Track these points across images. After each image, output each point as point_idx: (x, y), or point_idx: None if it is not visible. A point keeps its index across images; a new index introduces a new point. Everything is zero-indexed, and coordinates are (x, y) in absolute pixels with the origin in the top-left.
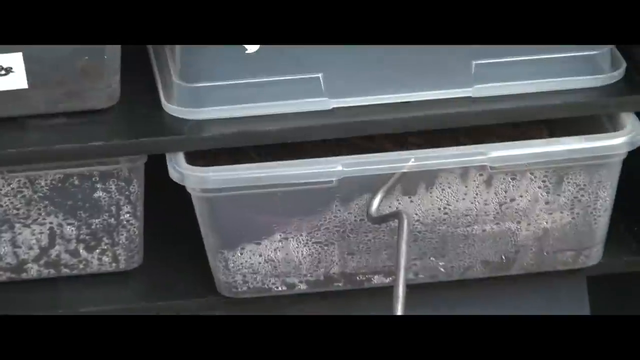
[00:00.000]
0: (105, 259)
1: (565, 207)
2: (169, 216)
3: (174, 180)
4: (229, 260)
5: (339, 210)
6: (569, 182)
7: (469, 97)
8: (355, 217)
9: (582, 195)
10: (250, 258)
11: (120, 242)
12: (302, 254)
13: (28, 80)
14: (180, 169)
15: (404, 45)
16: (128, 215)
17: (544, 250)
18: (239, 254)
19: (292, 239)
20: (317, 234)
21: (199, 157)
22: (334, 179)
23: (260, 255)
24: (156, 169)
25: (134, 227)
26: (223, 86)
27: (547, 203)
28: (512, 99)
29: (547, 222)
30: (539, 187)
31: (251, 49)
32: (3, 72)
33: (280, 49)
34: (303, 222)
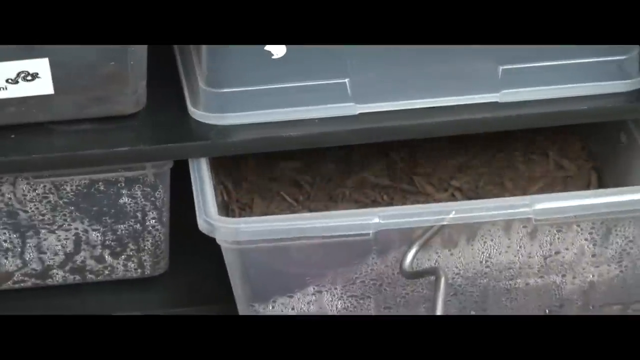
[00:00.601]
0: (130, 264)
1: (613, 260)
2: (195, 222)
3: (203, 232)
4: (259, 312)
5: (376, 263)
6: (617, 234)
7: (496, 102)
8: (392, 270)
9: (631, 248)
10: (282, 311)
11: (146, 248)
12: (337, 308)
13: (54, 85)
14: (210, 220)
15: (431, 50)
16: (154, 221)
17: (590, 304)
18: (270, 307)
19: (326, 292)
20: (352, 287)
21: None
22: (370, 231)
23: (293, 309)
24: (182, 175)
25: (160, 233)
26: (249, 92)
27: (593, 256)
28: (538, 104)
29: (593, 275)
30: (586, 240)
31: (277, 54)
32: (29, 77)
33: (306, 53)
34: (338, 274)
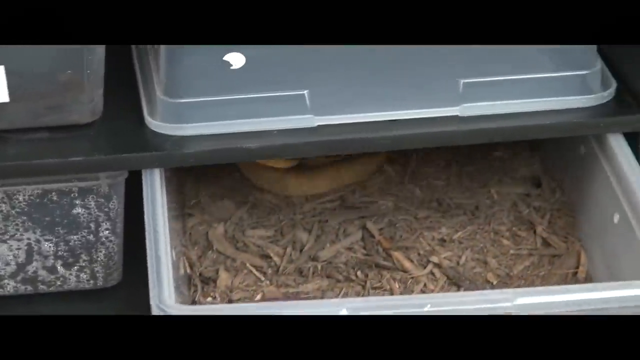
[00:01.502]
0: (83, 276)
1: None
2: None
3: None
4: None
5: None
6: None
7: (456, 116)
8: None
9: None
10: None
11: (99, 259)
12: None
13: (9, 93)
14: (164, 306)
15: (391, 63)
16: (107, 232)
17: None
18: None
19: None
20: None
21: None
22: None
23: None
24: (136, 186)
25: (113, 244)
26: (207, 102)
27: None
28: (499, 118)
29: None
30: None
31: (236, 65)
32: None
33: (265, 64)
34: None
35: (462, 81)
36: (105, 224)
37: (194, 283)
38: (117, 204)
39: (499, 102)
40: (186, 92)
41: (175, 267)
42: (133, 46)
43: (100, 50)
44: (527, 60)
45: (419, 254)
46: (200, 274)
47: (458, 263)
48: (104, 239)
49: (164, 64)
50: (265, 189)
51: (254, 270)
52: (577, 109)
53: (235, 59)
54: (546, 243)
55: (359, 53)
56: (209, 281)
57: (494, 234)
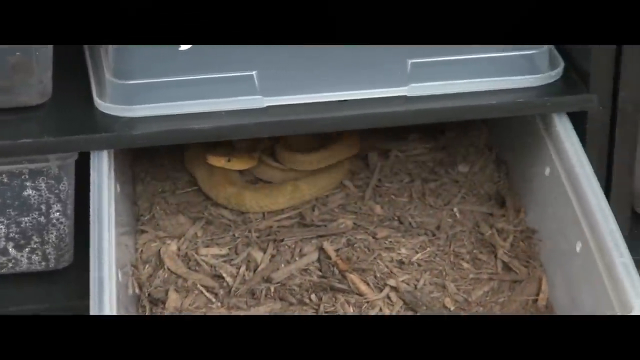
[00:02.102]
0: (34, 257)
1: None
2: None
3: None
4: None
5: None
6: None
7: (405, 96)
8: None
9: None
10: None
11: (50, 240)
12: None
13: None
14: None
15: (339, 44)
16: (58, 214)
17: None
18: None
19: None
20: None
21: None
22: None
23: None
24: (88, 168)
25: (64, 226)
26: (156, 84)
27: None
28: (447, 98)
29: None
30: None
31: (184, 46)
32: None
33: (214, 46)
34: None
35: (410, 61)
36: (56, 205)
37: (142, 304)
38: (67, 186)
39: (446, 82)
40: (135, 73)
41: (124, 287)
42: None
43: None
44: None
45: (375, 277)
46: (149, 294)
47: (416, 287)
48: (54, 221)
49: (113, 46)
50: (221, 205)
51: (204, 292)
52: (525, 88)
53: None
54: (507, 267)
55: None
56: (157, 302)
57: (454, 256)
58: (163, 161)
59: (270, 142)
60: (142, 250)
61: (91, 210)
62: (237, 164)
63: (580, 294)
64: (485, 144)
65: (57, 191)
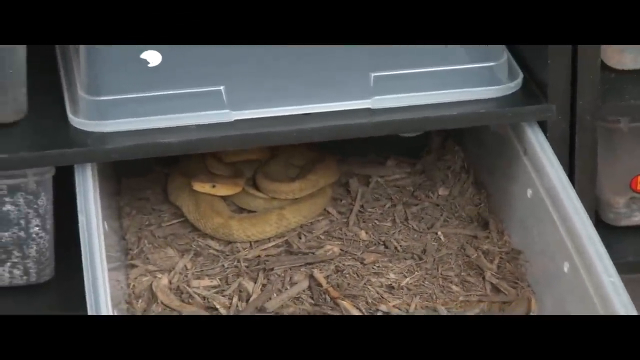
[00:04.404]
0: (16, 272)
1: None
2: None
3: None
4: None
5: None
6: None
7: (368, 109)
8: None
9: None
10: None
11: (31, 255)
12: None
13: None
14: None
15: (305, 58)
16: (37, 228)
17: None
18: None
19: None
20: None
21: None
22: None
23: None
24: (66, 183)
25: (44, 240)
26: (127, 99)
27: None
28: (410, 110)
29: None
30: None
31: (153, 62)
32: None
33: (182, 61)
34: None
35: (373, 74)
36: (35, 220)
37: None
38: (45, 201)
39: (409, 95)
40: (106, 90)
41: None
42: (57, 46)
43: (21, 50)
44: (436, 53)
45: (367, 302)
46: None
47: (407, 311)
48: (34, 236)
49: (84, 63)
50: (208, 235)
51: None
52: (486, 99)
53: (152, 56)
54: (496, 289)
55: (273, 49)
56: None
57: (442, 279)
58: (147, 194)
59: (253, 168)
60: (134, 285)
61: (81, 234)
62: (222, 190)
63: (570, 313)
64: (462, 167)
65: (35, 206)
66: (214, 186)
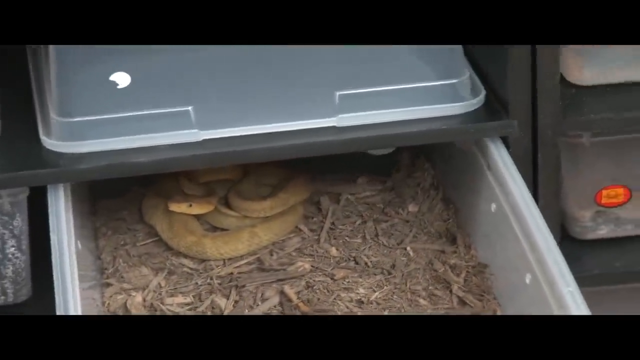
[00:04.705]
0: None
1: None
2: None
3: None
4: None
5: None
6: None
7: (334, 127)
8: None
9: None
10: None
11: (7, 275)
12: None
13: None
14: None
15: (271, 78)
16: (13, 249)
17: None
18: None
19: None
20: None
21: None
22: None
23: None
24: (41, 204)
25: (20, 261)
26: (97, 121)
27: None
28: (375, 127)
29: None
30: None
31: (122, 84)
32: None
33: (151, 83)
34: None
35: (337, 93)
36: (11, 241)
37: None
38: (20, 222)
39: (374, 112)
40: (77, 111)
41: None
42: (30, 68)
43: None
44: (400, 71)
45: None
46: None
47: None
48: (10, 256)
49: (55, 85)
50: (182, 253)
51: None
52: (449, 116)
53: (121, 78)
54: (462, 302)
55: (240, 70)
56: None
57: (410, 293)
58: (123, 215)
59: (225, 187)
60: (109, 303)
61: (52, 253)
62: (198, 209)
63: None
64: (432, 184)
65: (10, 227)
66: (190, 205)
